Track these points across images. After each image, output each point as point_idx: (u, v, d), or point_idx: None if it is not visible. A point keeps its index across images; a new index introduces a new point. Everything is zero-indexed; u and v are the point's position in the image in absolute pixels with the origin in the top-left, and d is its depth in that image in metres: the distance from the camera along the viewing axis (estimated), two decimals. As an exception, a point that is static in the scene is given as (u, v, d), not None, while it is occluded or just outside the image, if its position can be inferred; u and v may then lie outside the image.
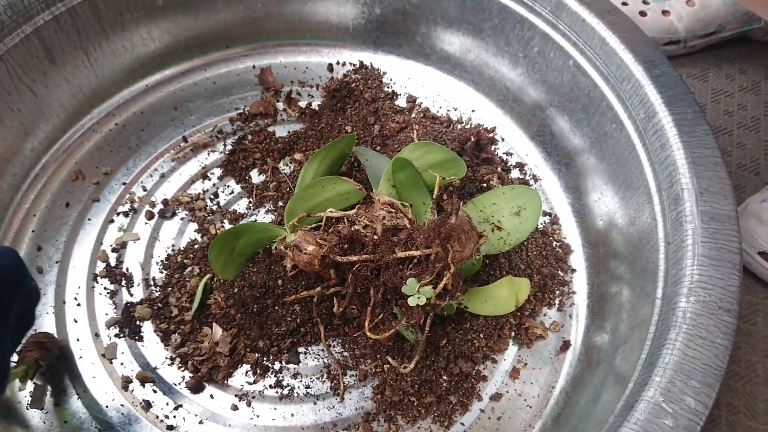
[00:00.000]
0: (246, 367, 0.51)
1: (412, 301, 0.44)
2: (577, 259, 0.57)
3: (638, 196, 0.50)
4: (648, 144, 0.49)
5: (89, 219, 0.58)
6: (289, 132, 0.64)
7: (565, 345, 0.53)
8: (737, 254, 0.40)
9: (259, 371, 0.51)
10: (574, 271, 0.57)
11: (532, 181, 0.62)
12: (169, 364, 0.51)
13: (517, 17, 0.59)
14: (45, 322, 0.53)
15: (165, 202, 0.59)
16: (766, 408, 0.52)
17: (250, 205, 0.59)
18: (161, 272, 0.56)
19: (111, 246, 0.57)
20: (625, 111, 0.52)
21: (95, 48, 0.61)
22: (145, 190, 0.60)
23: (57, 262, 0.56)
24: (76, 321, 0.53)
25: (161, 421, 0.49)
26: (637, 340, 0.44)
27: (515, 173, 0.63)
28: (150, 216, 0.59)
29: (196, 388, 0.50)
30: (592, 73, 0.55)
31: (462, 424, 0.49)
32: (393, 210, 0.49)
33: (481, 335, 0.52)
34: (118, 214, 0.59)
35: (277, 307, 0.52)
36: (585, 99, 0.56)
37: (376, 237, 0.46)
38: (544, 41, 0.58)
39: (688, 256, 0.41)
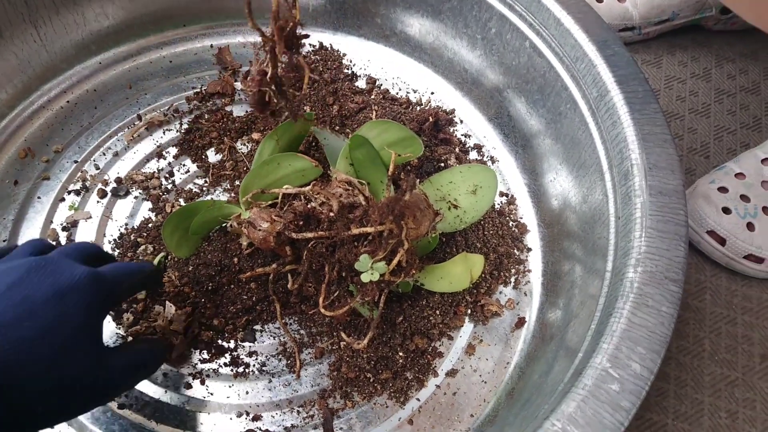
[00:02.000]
0: (201, 345, 0.50)
1: (365, 278, 0.44)
2: (533, 239, 0.58)
3: (591, 174, 0.51)
4: (600, 122, 0.50)
5: (39, 197, 0.57)
6: (246, 112, 0.63)
7: (520, 322, 0.54)
8: (684, 226, 0.41)
9: (214, 349, 0.50)
10: (529, 250, 0.58)
11: (489, 163, 0.63)
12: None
13: (474, -2, 0.60)
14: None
15: (118, 180, 0.58)
16: (712, 381, 0.54)
17: (206, 184, 0.59)
18: (114, 251, 0.54)
19: (61, 225, 0.56)
20: (579, 91, 0.52)
21: (45, 22, 0.59)
22: (97, 168, 0.59)
23: (4, 241, 0.54)
24: (24, 300, 0.52)
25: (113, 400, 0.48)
26: (586, 313, 0.44)
27: (473, 155, 0.63)
28: (102, 194, 0.57)
29: (148, 367, 0.49)
30: (547, 54, 0.55)
31: (417, 399, 0.50)
32: (350, 188, 0.49)
33: (438, 312, 0.52)
34: (69, 192, 0.57)
35: (232, 286, 0.52)
36: (541, 80, 0.57)
37: (332, 214, 0.46)
38: (501, 22, 0.59)
39: (637, 228, 0.42)
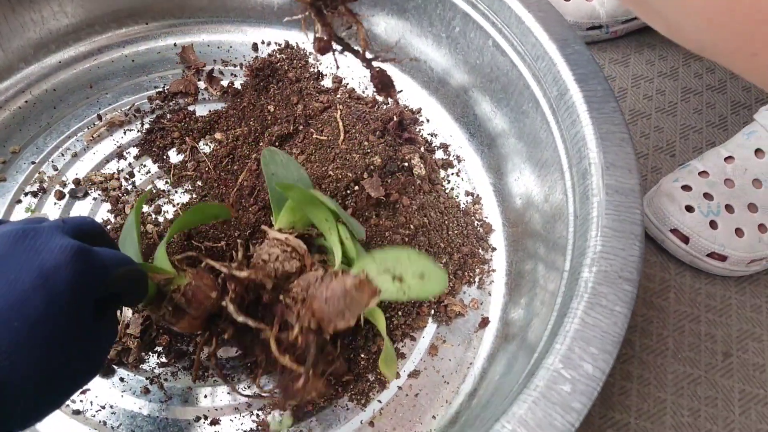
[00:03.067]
0: (159, 349, 0.50)
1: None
2: (497, 238, 0.58)
3: (552, 173, 0.51)
4: (561, 121, 0.49)
5: (-6, 199, 0.56)
6: (209, 111, 0.63)
7: (484, 322, 0.54)
8: (639, 225, 0.41)
9: (172, 353, 0.50)
10: (494, 249, 0.57)
11: (455, 161, 0.62)
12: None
13: (438, -3, 0.60)
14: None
15: (76, 181, 0.57)
16: (674, 379, 0.54)
17: (167, 184, 0.58)
18: (71, 254, 0.53)
19: (17, 227, 0.54)
20: (540, 89, 0.52)
21: (0, 21, 0.58)
22: (56, 169, 0.58)
23: (-43, 244, 0.53)
24: (-24, 305, 0.51)
25: (66, 405, 0.47)
26: (546, 312, 0.44)
27: (440, 154, 0.63)
28: (60, 196, 0.56)
29: (104, 371, 0.49)
30: (510, 53, 0.55)
31: (379, 401, 0.49)
32: (288, 248, 0.46)
33: (400, 313, 0.52)
34: (26, 194, 0.56)
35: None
36: (504, 79, 0.57)
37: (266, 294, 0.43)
38: (464, 21, 0.58)
39: (593, 228, 0.42)
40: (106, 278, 0.34)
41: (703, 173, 0.60)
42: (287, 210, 0.48)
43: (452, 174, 0.62)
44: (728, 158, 0.61)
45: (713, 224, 0.57)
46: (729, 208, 0.58)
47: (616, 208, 0.42)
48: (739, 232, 0.57)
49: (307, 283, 0.42)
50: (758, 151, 0.59)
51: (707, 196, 0.58)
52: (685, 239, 0.58)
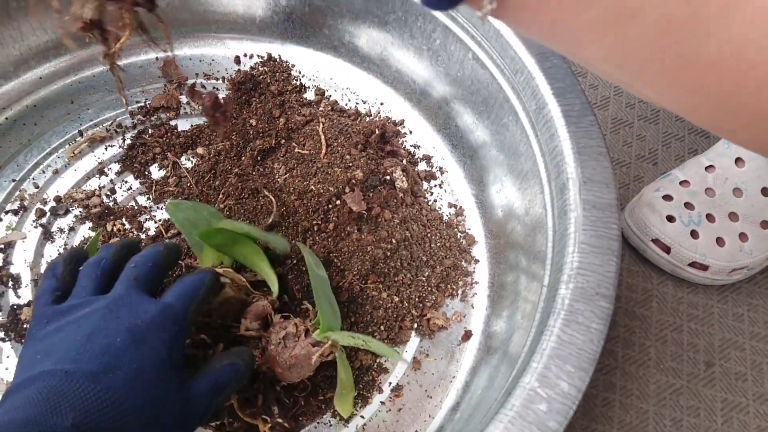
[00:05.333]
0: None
1: None
2: (480, 250, 0.58)
3: (532, 186, 0.51)
4: (539, 135, 0.50)
5: (-26, 218, 0.56)
6: (192, 126, 0.62)
7: (467, 335, 0.54)
8: (616, 241, 0.42)
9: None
10: (477, 261, 0.57)
11: (438, 173, 0.62)
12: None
13: (418, 10, 0.60)
14: None
15: (57, 199, 0.57)
16: (657, 390, 0.54)
17: (149, 200, 0.58)
18: (51, 272, 0.53)
19: (-3, 246, 0.54)
20: (520, 103, 0.52)
21: (-22, 37, 0.58)
22: (36, 187, 0.58)
23: (-63, 264, 0.53)
24: (-44, 325, 0.50)
25: (47, 427, 0.47)
26: (527, 326, 0.44)
27: (422, 166, 0.63)
28: (41, 214, 0.56)
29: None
30: (489, 66, 0.55)
31: (362, 417, 0.49)
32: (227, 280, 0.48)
33: (382, 327, 0.52)
34: (6, 212, 0.56)
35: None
36: (485, 91, 0.57)
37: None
38: (445, 34, 0.59)
39: (570, 243, 0.42)
40: (189, 320, 0.40)
41: (684, 182, 0.60)
42: (209, 251, 0.49)
43: (435, 186, 0.62)
44: (709, 167, 0.61)
45: (694, 234, 0.58)
46: (710, 218, 0.58)
47: (593, 223, 0.42)
48: (720, 241, 0.58)
49: (266, 342, 0.46)
50: (738, 160, 0.60)
51: (688, 205, 0.59)
52: (667, 249, 0.58)
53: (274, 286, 0.49)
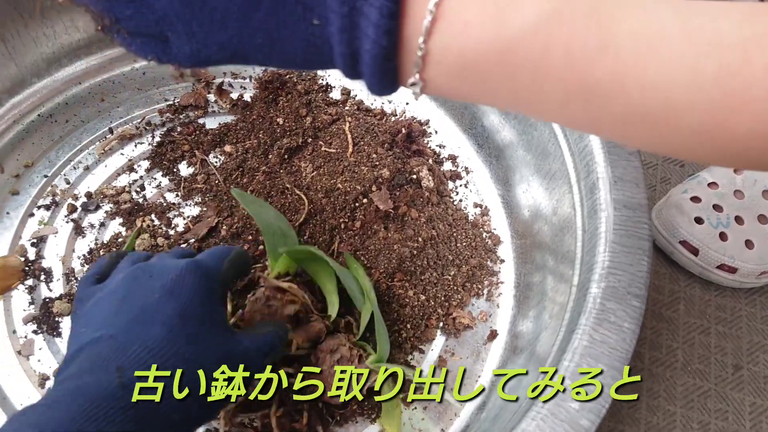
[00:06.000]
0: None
1: None
2: (506, 250, 0.58)
3: (560, 186, 0.51)
4: (568, 134, 0.49)
5: (8, 213, 0.56)
6: (219, 124, 0.63)
7: (492, 334, 0.54)
8: (647, 240, 0.41)
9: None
10: (503, 261, 0.57)
11: (464, 173, 0.62)
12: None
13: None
14: (-43, 319, 0.51)
15: (88, 195, 0.58)
16: (684, 392, 0.54)
17: (177, 197, 0.58)
18: (83, 266, 0.54)
19: (30, 240, 0.55)
20: (548, 102, 0.52)
21: (13, 35, 0.59)
22: (68, 183, 0.59)
23: (-28, 258, 0.54)
24: (-10, 318, 0.51)
25: None
26: (555, 326, 0.44)
27: (448, 165, 0.63)
28: (72, 209, 0.57)
29: None
30: (517, 66, 0.55)
31: (388, 414, 0.49)
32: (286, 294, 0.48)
33: (409, 325, 0.52)
34: (38, 207, 0.57)
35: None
36: (512, 91, 0.57)
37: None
38: (472, 34, 0.59)
39: (601, 243, 0.42)
40: (220, 275, 0.40)
41: (712, 184, 0.60)
42: (285, 259, 0.50)
43: (461, 185, 0.62)
44: (737, 169, 0.60)
45: (723, 236, 0.57)
46: (739, 220, 0.58)
47: (624, 223, 0.42)
48: (749, 243, 0.57)
49: (315, 360, 0.47)
50: None
51: (717, 207, 0.58)
52: (695, 251, 0.57)
53: (334, 311, 0.50)
